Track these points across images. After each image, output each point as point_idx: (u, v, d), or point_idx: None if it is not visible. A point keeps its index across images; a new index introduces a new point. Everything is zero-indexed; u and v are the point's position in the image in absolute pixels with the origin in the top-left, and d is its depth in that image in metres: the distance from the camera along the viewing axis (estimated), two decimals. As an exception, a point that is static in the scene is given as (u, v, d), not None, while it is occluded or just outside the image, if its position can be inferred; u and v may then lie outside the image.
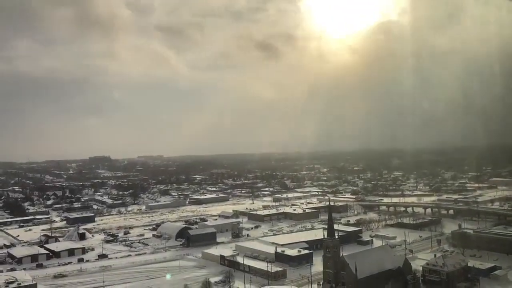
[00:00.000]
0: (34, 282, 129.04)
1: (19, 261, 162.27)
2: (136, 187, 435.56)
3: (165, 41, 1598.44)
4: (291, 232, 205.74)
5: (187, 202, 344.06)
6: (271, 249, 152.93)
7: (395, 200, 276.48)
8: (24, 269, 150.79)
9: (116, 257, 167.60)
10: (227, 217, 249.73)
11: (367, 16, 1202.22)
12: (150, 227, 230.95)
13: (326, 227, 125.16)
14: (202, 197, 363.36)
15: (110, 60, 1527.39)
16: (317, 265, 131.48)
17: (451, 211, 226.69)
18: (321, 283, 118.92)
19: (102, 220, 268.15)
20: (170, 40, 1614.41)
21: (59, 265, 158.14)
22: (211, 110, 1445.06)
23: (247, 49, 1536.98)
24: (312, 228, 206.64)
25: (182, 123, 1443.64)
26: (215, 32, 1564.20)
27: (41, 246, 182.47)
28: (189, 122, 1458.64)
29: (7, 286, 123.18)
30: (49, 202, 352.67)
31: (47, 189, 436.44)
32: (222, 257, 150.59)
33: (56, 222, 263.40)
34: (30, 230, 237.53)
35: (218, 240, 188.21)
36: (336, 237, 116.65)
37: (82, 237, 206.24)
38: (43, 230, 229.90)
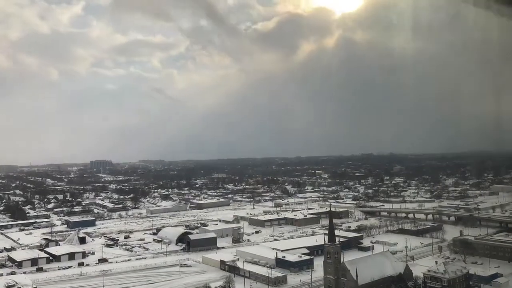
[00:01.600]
0: (34, 286, 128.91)
1: (19, 264, 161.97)
2: (137, 191, 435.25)
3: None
4: (292, 237, 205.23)
5: (188, 206, 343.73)
6: (271, 255, 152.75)
7: (396, 206, 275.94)
8: (24, 272, 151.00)
9: (117, 261, 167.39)
10: (228, 222, 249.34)
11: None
12: (151, 232, 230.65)
13: (327, 232, 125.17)
14: (203, 201, 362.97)
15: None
16: (318, 271, 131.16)
17: (452, 218, 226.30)
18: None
19: (102, 224, 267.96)
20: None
21: (59, 269, 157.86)
22: (210, 113, 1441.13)
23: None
24: (313, 234, 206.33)
25: (183, 128, 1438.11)
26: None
27: (42, 250, 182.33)
28: (189, 126, 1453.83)
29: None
30: (50, 206, 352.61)
31: (48, 192, 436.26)
32: (222, 262, 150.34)
33: (57, 225, 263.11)
34: (30, 233, 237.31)
35: (219, 245, 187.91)
36: (337, 242, 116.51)
37: (82, 241, 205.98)
38: (43, 233, 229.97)
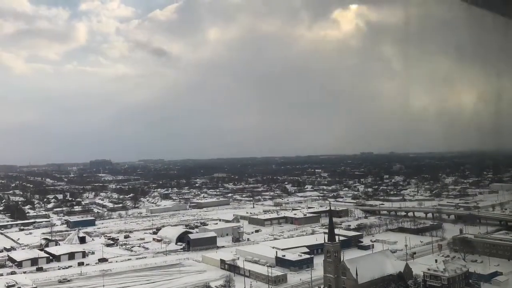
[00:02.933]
0: (34, 286, 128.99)
1: (19, 264, 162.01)
2: (137, 191, 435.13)
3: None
4: (292, 236, 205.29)
5: (188, 206, 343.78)
6: (271, 253, 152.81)
7: (396, 205, 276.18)
8: (24, 272, 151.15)
9: (117, 261, 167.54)
10: (228, 221, 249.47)
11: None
12: (151, 231, 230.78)
13: (327, 231, 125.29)
14: (203, 201, 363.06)
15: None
16: (318, 270, 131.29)
17: (452, 216, 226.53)
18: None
19: (102, 223, 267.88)
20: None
21: (59, 269, 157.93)
22: (210, 112, 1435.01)
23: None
24: (313, 233, 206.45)
25: (183, 127, 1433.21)
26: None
27: (41, 250, 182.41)
28: (189, 125, 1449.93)
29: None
30: (49, 206, 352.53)
31: (48, 192, 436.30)
32: (222, 261, 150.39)
33: (57, 225, 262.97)
34: (30, 233, 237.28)
35: (219, 244, 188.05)
36: (337, 241, 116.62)
37: (82, 240, 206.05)
38: (43, 233, 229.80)
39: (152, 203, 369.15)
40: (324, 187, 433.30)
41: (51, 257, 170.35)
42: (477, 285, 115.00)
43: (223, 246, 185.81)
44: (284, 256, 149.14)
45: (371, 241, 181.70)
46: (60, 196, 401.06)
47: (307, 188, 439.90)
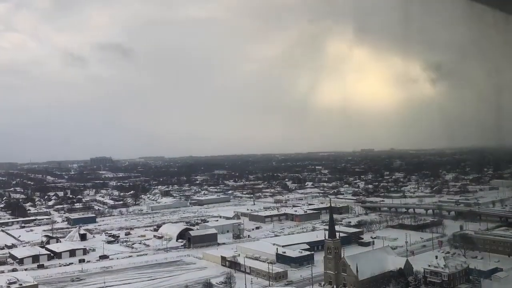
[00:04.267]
0: (35, 283, 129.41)
1: (21, 261, 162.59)
2: (138, 188, 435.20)
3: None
4: (292, 233, 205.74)
5: (188, 203, 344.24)
6: (272, 250, 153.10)
7: (396, 201, 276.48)
8: (26, 269, 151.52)
9: (117, 258, 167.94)
10: (228, 218, 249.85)
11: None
12: (151, 228, 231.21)
13: (327, 228, 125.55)
14: (203, 198, 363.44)
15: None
16: (318, 266, 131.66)
17: (452, 213, 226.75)
18: (322, 284, 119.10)
19: (103, 220, 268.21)
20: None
21: (60, 266, 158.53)
22: (211, 110, 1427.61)
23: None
24: (313, 229, 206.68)
25: (183, 124, 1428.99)
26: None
27: (43, 247, 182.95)
28: (189, 123, 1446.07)
29: (9, 286, 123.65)
30: (50, 203, 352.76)
31: (49, 189, 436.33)
32: (223, 258, 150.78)
33: (58, 222, 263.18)
34: (31, 230, 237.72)
35: (219, 241, 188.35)
36: (337, 238, 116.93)
37: (83, 237, 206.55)
38: (44, 230, 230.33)
39: (153, 200, 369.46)
40: (325, 184, 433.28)
41: (52, 254, 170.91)
42: (478, 281, 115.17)
43: (223, 243, 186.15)
44: (284, 252, 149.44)
45: (371, 237, 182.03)
46: (60, 194, 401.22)
47: (307, 185, 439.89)
